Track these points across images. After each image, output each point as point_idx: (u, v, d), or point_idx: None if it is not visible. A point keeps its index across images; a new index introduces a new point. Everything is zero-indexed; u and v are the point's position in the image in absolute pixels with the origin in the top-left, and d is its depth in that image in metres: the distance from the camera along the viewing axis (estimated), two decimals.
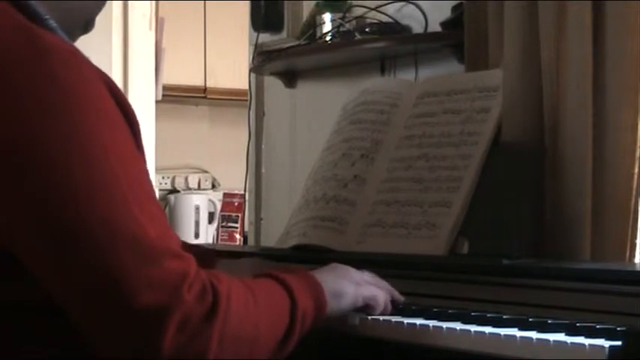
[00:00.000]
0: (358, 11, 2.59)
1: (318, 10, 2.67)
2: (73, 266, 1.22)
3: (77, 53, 1.29)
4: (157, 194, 4.87)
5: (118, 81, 3.23)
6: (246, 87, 3.09)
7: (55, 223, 1.22)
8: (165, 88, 4.93)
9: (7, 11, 1.30)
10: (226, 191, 5.45)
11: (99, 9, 1.46)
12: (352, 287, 1.52)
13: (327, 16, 2.63)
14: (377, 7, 2.53)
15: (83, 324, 1.26)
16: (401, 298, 1.60)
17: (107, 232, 1.22)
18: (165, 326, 1.21)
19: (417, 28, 2.48)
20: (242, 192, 3.18)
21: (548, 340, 1.29)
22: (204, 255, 1.54)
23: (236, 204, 5.19)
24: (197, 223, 5.46)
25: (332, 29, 2.61)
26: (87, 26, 1.45)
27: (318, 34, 2.65)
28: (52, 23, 1.34)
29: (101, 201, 1.22)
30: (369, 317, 1.54)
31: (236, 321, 1.28)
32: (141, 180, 1.29)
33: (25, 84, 1.23)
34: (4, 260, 1.26)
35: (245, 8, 3.02)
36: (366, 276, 1.57)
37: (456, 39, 2.25)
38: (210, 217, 5.53)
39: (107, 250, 1.21)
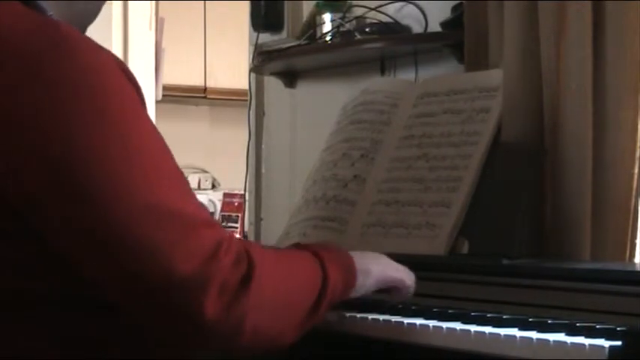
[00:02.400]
0: (358, 11, 2.59)
1: (318, 10, 2.67)
2: (109, 241, 1.25)
3: (94, 42, 1.33)
4: None
5: None
6: (246, 87, 3.09)
7: (89, 200, 1.25)
8: (165, 88, 4.93)
9: (18, 6, 1.33)
10: (226, 191, 5.44)
11: (97, 14, 1.48)
12: (379, 267, 1.55)
13: (327, 16, 2.63)
14: (377, 7, 2.53)
15: (124, 300, 1.29)
16: (411, 286, 1.61)
17: (144, 205, 1.26)
18: (206, 293, 1.26)
19: (417, 28, 2.48)
20: (242, 192, 3.18)
21: (548, 340, 1.29)
22: None
23: (236, 204, 5.18)
24: None
25: (332, 29, 2.61)
26: (84, 30, 1.46)
27: (318, 34, 2.65)
28: (57, 18, 1.36)
29: (137, 177, 1.26)
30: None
31: (270, 286, 1.33)
32: (167, 156, 1.34)
33: (51, 68, 1.26)
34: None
35: (245, 8, 3.02)
36: (394, 262, 1.59)
37: (456, 39, 2.25)
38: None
39: (145, 222, 1.25)
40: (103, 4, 1.48)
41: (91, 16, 1.47)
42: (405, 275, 1.58)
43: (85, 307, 1.32)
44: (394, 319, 1.51)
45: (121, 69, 1.32)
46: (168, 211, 1.26)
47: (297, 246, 1.50)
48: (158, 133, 1.35)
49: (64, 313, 1.31)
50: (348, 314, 1.57)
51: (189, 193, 1.34)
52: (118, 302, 1.30)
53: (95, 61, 1.29)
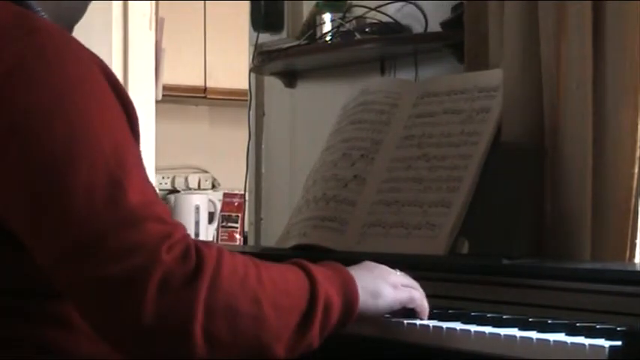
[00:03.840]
0: (358, 11, 2.59)
1: (318, 10, 2.67)
2: (53, 231, 1.21)
3: (69, 35, 1.31)
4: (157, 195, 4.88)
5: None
6: (246, 87, 3.09)
7: (35, 188, 1.22)
8: (165, 88, 4.93)
9: (3, 2, 1.33)
10: (226, 191, 5.45)
11: (83, 12, 1.48)
12: (390, 290, 1.44)
13: (327, 16, 2.63)
14: (377, 7, 2.53)
15: (68, 294, 1.24)
16: (425, 307, 1.50)
17: (85, 196, 1.20)
18: (144, 288, 1.18)
19: (417, 28, 2.48)
20: (242, 192, 3.18)
21: (548, 340, 1.29)
22: None
23: (236, 204, 5.18)
24: (197, 223, 5.46)
25: (332, 29, 2.61)
26: (71, 29, 1.47)
27: (318, 34, 2.65)
28: (44, 16, 1.36)
29: (82, 169, 1.21)
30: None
31: (228, 292, 1.22)
32: (128, 150, 1.26)
33: (13, 59, 1.25)
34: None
35: (245, 8, 3.02)
36: (400, 277, 1.48)
37: (456, 39, 2.25)
38: (210, 217, 5.53)
39: (85, 214, 1.20)
40: (89, 3, 1.48)
41: (78, 14, 1.46)
42: (415, 294, 1.48)
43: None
44: (394, 319, 1.51)
45: (102, 71, 1.30)
46: (111, 202, 1.20)
47: (288, 262, 1.37)
48: (129, 138, 1.28)
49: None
50: None
51: (147, 188, 1.25)
52: (62, 289, 1.25)
53: (69, 59, 1.27)
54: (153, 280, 1.18)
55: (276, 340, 1.27)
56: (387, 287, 1.43)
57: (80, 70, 1.27)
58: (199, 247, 1.23)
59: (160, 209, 1.25)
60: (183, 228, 1.25)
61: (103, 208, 1.20)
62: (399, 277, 1.48)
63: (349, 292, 1.36)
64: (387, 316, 1.47)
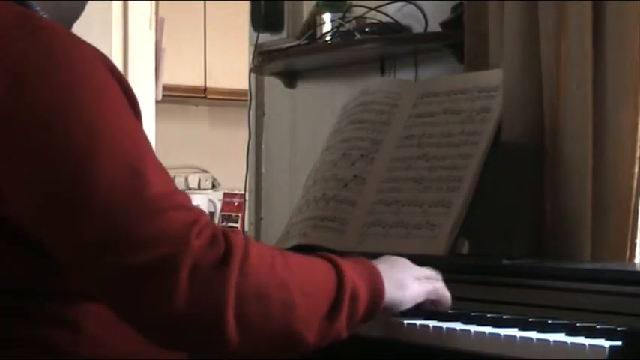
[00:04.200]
0: (358, 11, 2.59)
1: (318, 10, 2.67)
2: (78, 227, 1.21)
3: (73, 34, 1.31)
4: None
5: None
6: (246, 87, 3.09)
7: (56, 186, 1.22)
8: (165, 88, 4.93)
9: (5, 2, 1.33)
10: (226, 191, 5.45)
11: (81, 11, 1.48)
12: (415, 281, 1.45)
13: (327, 16, 2.63)
14: (377, 7, 2.53)
15: (96, 288, 1.24)
16: (448, 298, 1.52)
17: (109, 189, 1.20)
18: (176, 275, 1.17)
19: (417, 28, 2.48)
20: (242, 192, 3.18)
21: (548, 340, 1.29)
22: None
23: (236, 204, 5.19)
24: None
25: (332, 29, 2.61)
26: (70, 28, 1.47)
27: (318, 34, 2.65)
28: (44, 15, 1.36)
29: (103, 163, 1.21)
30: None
31: (257, 276, 1.21)
32: (142, 143, 1.28)
33: (19, 58, 1.25)
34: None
35: (245, 8, 3.02)
36: (422, 270, 1.49)
37: (456, 39, 2.25)
38: (210, 217, 5.53)
39: (109, 207, 1.20)
40: (87, 2, 1.48)
41: (77, 13, 1.47)
42: (438, 285, 1.48)
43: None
44: (394, 319, 1.51)
45: (107, 67, 1.30)
46: (134, 193, 1.20)
47: (310, 252, 1.36)
48: (141, 131, 1.30)
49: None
50: None
51: (165, 177, 1.27)
52: (88, 284, 1.25)
53: (76, 57, 1.27)
54: (184, 267, 1.18)
55: (307, 328, 1.26)
56: (411, 279, 1.45)
57: (87, 66, 1.27)
58: (227, 234, 1.23)
59: (182, 197, 1.26)
60: (206, 215, 1.25)
61: (128, 200, 1.20)
62: (421, 269, 1.49)
63: (375, 283, 1.36)
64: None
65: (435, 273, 1.51)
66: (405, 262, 1.48)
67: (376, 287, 1.36)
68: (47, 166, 1.22)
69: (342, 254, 1.40)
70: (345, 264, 1.34)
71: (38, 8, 1.37)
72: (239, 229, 5.18)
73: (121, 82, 1.31)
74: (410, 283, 1.44)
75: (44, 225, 1.24)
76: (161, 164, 1.30)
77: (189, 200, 1.28)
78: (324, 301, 1.28)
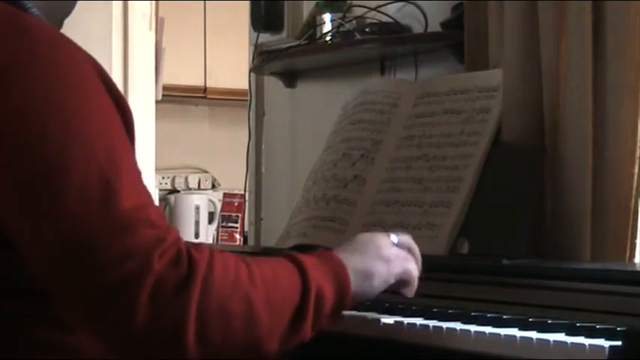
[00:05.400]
0: (358, 11, 2.59)
1: (318, 10, 2.67)
2: (44, 237, 1.20)
3: (61, 34, 1.29)
4: (157, 194, 4.89)
5: (117, 81, 3.23)
6: (246, 87, 3.09)
7: (27, 191, 1.21)
8: (165, 88, 4.92)
9: None
10: (226, 191, 5.46)
11: (73, 7, 1.48)
12: (383, 266, 1.41)
13: (327, 16, 2.63)
14: (377, 7, 2.53)
15: (61, 299, 1.23)
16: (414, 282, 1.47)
17: (78, 201, 1.19)
18: (136, 295, 1.17)
19: (417, 28, 2.48)
20: (242, 192, 3.18)
21: (548, 340, 1.29)
22: None
23: (236, 204, 5.19)
24: (197, 223, 5.46)
25: (332, 29, 2.61)
26: (59, 26, 1.46)
27: (318, 34, 2.65)
28: (36, 12, 1.35)
29: (75, 171, 1.20)
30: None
31: (220, 294, 1.22)
32: (120, 149, 1.26)
33: (4, 58, 1.24)
34: None
35: (245, 8, 3.02)
36: (393, 249, 1.45)
37: (456, 39, 2.25)
38: (210, 217, 5.53)
39: (76, 218, 1.19)
40: (75, 3, 1.48)
41: (68, 9, 1.46)
42: (410, 265, 1.45)
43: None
44: (394, 319, 1.51)
45: (95, 70, 1.29)
46: (104, 208, 1.19)
47: (279, 254, 1.36)
48: (123, 139, 1.27)
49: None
50: (347, 314, 1.57)
51: (140, 191, 1.25)
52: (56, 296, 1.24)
53: (63, 59, 1.26)
54: (145, 287, 1.18)
55: (270, 338, 1.27)
56: (379, 264, 1.41)
57: (74, 70, 1.26)
58: (191, 251, 1.22)
59: (153, 212, 1.24)
60: (175, 231, 1.24)
61: (95, 212, 1.19)
62: (392, 248, 1.45)
63: (341, 279, 1.35)
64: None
65: (405, 252, 1.47)
66: (376, 242, 1.44)
67: (342, 285, 1.35)
68: (21, 168, 1.21)
69: (310, 248, 1.39)
70: (310, 264, 1.33)
71: (30, 5, 1.36)
72: (239, 229, 5.18)
73: (109, 87, 1.29)
74: (378, 269, 1.41)
75: (17, 230, 1.24)
76: (138, 173, 1.28)
77: (162, 216, 1.26)
78: (289, 309, 1.29)
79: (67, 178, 1.20)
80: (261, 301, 1.26)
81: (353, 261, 1.38)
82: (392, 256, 1.44)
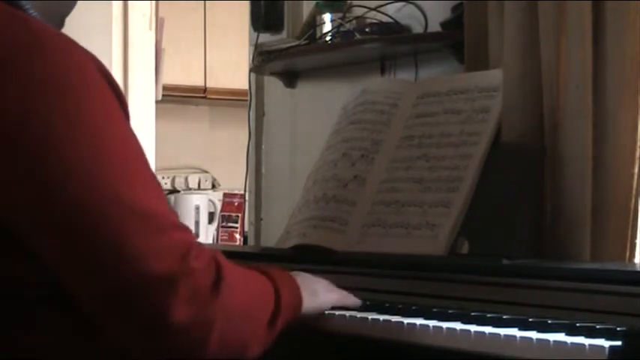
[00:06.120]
0: (358, 11, 2.59)
1: (318, 10, 2.67)
2: (82, 239, 1.23)
3: (70, 40, 1.31)
4: None
5: (118, 81, 3.23)
6: (246, 87, 3.09)
7: (60, 199, 1.23)
8: (165, 88, 4.93)
9: None
10: (226, 191, 5.45)
11: (71, 9, 1.48)
12: (324, 291, 1.60)
13: (327, 16, 2.63)
14: (377, 7, 2.53)
15: (93, 301, 1.26)
16: (358, 302, 1.64)
17: (114, 203, 1.23)
18: (176, 295, 1.22)
19: (417, 28, 2.48)
20: (242, 192, 3.18)
21: (548, 340, 1.29)
22: None
23: (236, 204, 5.19)
24: (197, 223, 5.46)
25: (332, 29, 2.61)
26: (61, 25, 1.46)
27: (318, 34, 2.65)
28: (34, 13, 1.36)
29: (107, 175, 1.24)
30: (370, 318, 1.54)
31: (237, 296, 1.31)
32: (141, 158, 1.30)
33: (25, 71, 1.25)
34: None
35: (245, 8, 3.02)
36: (327, 284, 1.63)
37: (456, 39, 2.25)
38: (210, 217, 5.53)
39: (114, 220, 1.22)
40: (75, 2, 1.48)
41: (66, 11, 1.47)
42: (341, 295, 1.62)
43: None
44: (394, 319, 1.51)
45: (97, 68, 1.30)
46: (140, 210, 1.24)
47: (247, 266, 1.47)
48: (133, 136, 1.32)
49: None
50: (347, 314, 1.57)
51: (161, 197, 1.31)
52: (84, 302, 1.28)
53: (67, 59, 1.28)
54: (186, 286, 1.24)
55: (259, 334, 1.38)
56: (322, 289, 1.60)
57: (87, 80, 1.28)
58: (216, 257, 1.29)
59: (177, 217, 1.31)
60: (194, 236, 1.32)
61: (131, 215, 1.24)
62: (327, 283, 1.63)
63: (298, 292, 1.51)
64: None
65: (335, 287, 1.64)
66: (312, 278, 1.61)
67: (298, 296, 1.50)
68: (51, 185, 1.24)
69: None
70: (278, 276, 1.46)
71: (28, 6, 1.36)
72: (239, 229, 5.18)
73: (112, 84, 1.31)
74: (321, 291, 1.58)
75: (41, 238, 1.26)
76: (155, 177, 1.32)
77: (178, 218, 1.32)
78: (269, 313, 1.41)
79: (97, 183, 1.24)
80: (257, 307, 1.38)
81: (302, 281, 1.54)
82: (330, 287, 1.63)
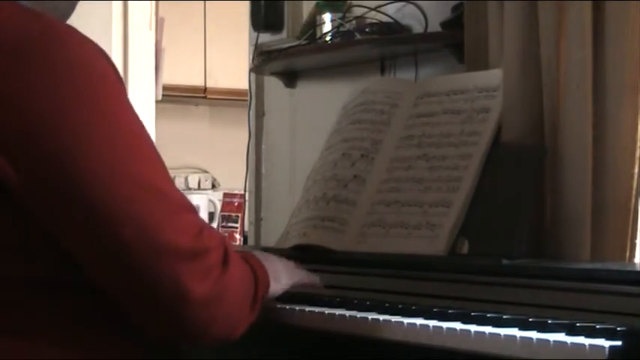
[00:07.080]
0: (358, 11, 2.59)
1: (318, 10, 2.67)
2: (98, 214, 1.28)
3: (80, 33, 1.35)
4: None
5: None
6: (246, 87, 3.09)
7: (77, 177, 1.27)
8: (165, 88, 4.93)
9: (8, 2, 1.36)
10: (226, 191, 5.44)
11: (71, 11, 1.50)
12: (285, 275, 1.64)
13: (327, 16, 2.63)
14: (377, 7, 2.53)
15: (117, 281, 1.31)
16: (316, 280, 1.72)
17: (132, 180, 1.29)
18: (194, 269, 1.30)
19: (417, 28, 2.48)
20: (242, 192, 3.18)
21: (548, 340, 1.29)
22: None
23: (236, 204, 5.18)
24: None
25: (332, 29, 2.61)
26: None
27: (318, 34, 2.65)
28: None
29: (124, 157, 1.31)
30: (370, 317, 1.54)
31: (238, 276, 1.39)
32: (152, 144, 1.39)
33: (42, 60, 1.29)
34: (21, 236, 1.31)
35: (245, 8, 3.02)
36: (287, 264, 1.68)
37: (456, 39, 2.25)
38: (210, 217, 5.52)
39: (138, 200, 1.29)
40: (76, 3, 1.50)
41: (65, 13, 1.49)
42: (303, 276, 1.68)
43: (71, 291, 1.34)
44: (394, 319, 1.51)
45: (105, 57, 1.35)
46: (156, 190, 1.31)
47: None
48: (140, 121, 1.38)
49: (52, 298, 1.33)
50: (348, 314, 1.57)
51: (171, 180, 1.39)
52: (101, 282, 1.32)
53: (81, 50, 1.32)
54: (203, 262, 1.31)
55: (242, 322, 1.43)
56: (283, 272, 1.64)
57: (92, 60, 1.33)
58: (223, 236, 1.39)
59: (185, 197, 1.40)
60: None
61: (153, 196, 1.31)
62: (287, 264, 1.68)
63: (268, 279, 1.54)
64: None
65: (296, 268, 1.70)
66: (273, 257, 1.65)
67: (267, 280, 1.54)
68: (78, 174, 1.29)
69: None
70: (254, 262, 1.50)
71: (28, 6, 1.37)
72: (239, 229, 5.17)
73: (116, 73, 1.37)
74: (282, 275, 1.62)
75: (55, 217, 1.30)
76: (162, 161, 1.40)
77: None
78: (251, 292, 1.46)
79: (114, 162, 1.30)
80: (244, 288, 1.44)
81: (267, 266, 1.57)
82: (290, 268, 1.69)
